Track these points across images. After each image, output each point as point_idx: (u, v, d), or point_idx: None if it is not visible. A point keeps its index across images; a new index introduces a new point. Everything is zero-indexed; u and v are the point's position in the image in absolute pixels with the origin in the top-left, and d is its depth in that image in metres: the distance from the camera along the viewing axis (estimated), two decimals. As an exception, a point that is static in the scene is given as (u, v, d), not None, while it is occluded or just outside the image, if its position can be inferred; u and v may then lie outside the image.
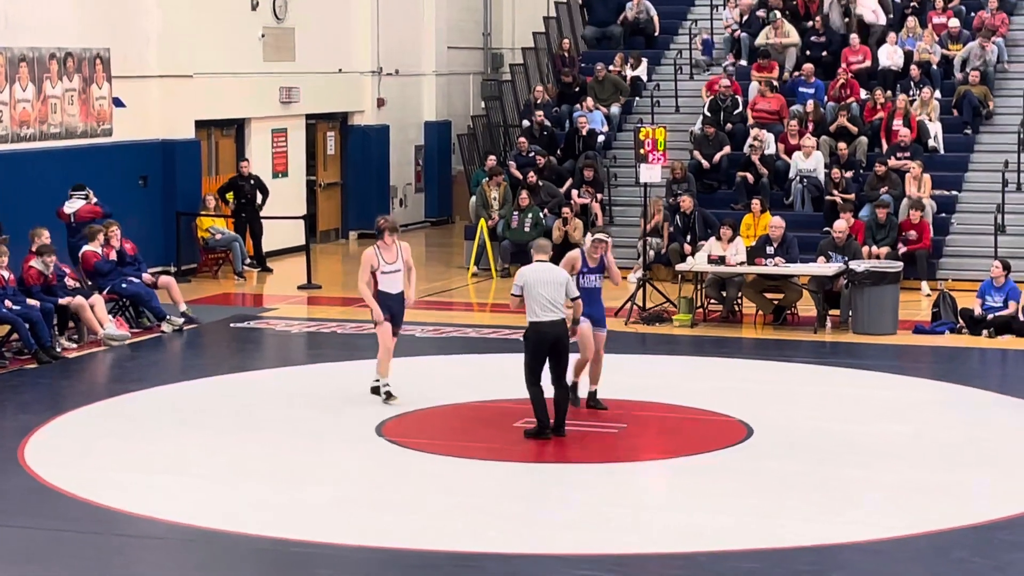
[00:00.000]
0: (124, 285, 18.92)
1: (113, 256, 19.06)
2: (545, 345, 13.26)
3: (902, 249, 21.54)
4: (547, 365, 13.31)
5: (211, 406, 14.91)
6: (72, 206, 20.30)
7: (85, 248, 18.95)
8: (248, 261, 24.22)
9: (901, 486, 11.98)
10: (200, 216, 23.88)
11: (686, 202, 22.52)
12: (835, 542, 10.53)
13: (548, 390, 13.34)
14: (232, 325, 19.50)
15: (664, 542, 10.57)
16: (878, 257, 20.85)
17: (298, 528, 10.84)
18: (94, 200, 20.34)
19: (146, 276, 19.40)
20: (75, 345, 17.88)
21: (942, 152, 24.79)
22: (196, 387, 15.81)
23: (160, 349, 18.21)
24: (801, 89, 25.87)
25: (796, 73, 26.46)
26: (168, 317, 18.94)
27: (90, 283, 18.78)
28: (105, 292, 18.64)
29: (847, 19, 27.40)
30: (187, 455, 12.94)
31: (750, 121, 25.48)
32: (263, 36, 25.99)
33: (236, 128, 26.02)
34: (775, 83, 26.20)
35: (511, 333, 17.98)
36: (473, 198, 25.43)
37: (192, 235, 23.91)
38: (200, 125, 24.55)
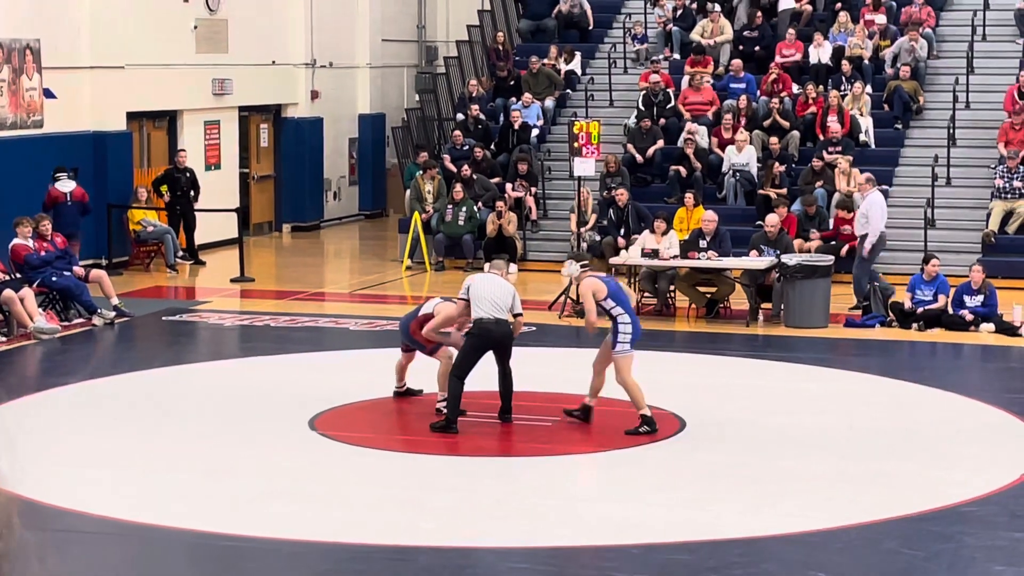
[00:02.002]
0: (54, 278, 18.76)
1: (45, 251, 18.91)
2: (489, 343, 13.32)
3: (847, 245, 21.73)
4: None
5: (142, 400, 14.81)
6: (67, 186, 21.06)
7: (15, 241, 18.79)
8: (180, 254, 24.08)
9: (831, 478, 12.06)
10: (132, 208, 23.72)
11: (622, 195, 22.59)
12: (766, 534, 10.59)
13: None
14: (164, 318, 19.38)
15: (597, 534, 10.60)
16: (809, 251, 21.01)
17: (229, 522, 10.79)
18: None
19: (76, 269, 19.25)
20: (4, 339, 17.71)
21: (873, 147, 24.99)
22: (127, 381, 15.70)
23: (91, 343, 18.08)
24: (732, 85, 26.00)
25: (728, 69, 26.60)
26: (99, 310, 18.80)
27: (19, 276, 18.60)
28: (35, 285, 18.48)
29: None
30: (117, 449, 12.85)
31: (685, 115, 25.59)
32: (195, 27, 25.83)
33: (168, 120, 25.85)
34: (708, 78, 26.29)
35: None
36: (407, 191, 25.39)
37: (124, 228, 23.74)
38: (132, 117, 24.37)
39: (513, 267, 23.53)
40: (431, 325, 13.71)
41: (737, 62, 26.34)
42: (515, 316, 13.50)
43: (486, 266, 14.26)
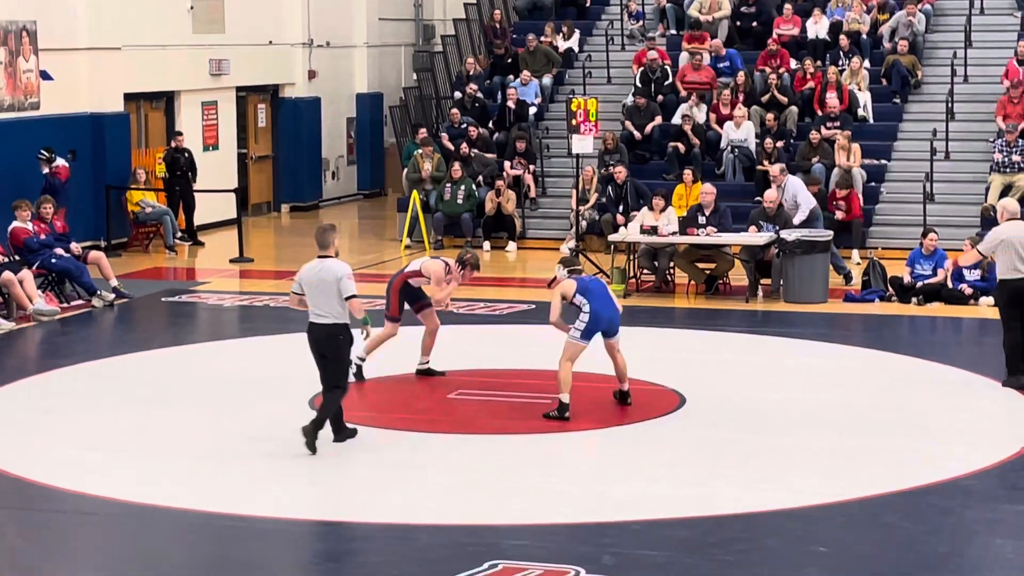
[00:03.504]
0: (54, 260, 18.75)
1: (44, 234, 18.91)
2: (312, 347, 12.30)
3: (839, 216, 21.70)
4: None
5: (142, 381, 14.82)
6: (63, 162, 21.59)
7: (14, 224, 18.77)
8: (179, 235, 24.07)
9: (832, 453, 12.08)
10: (130, 190, 23.70)
11: (621, 173, 22.57)
12: (767, 509, 10.60)
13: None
14: (163, 299, 19.39)
15: (598, 511, 10.61)
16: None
17: (229, 502, 10.80)
18: None
19: (73, 246, 19.24)
20: (4, 320, 17.70)
21: (871, 121, 24.96)
22: (127, 362, 15.70)
23: (90, 324, 18.08)
24: (719, 65, 25.96)
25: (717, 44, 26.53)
26: (99, 292, 18.79)
27: (17, 258, 18.59)
28: (34, 267, 18.47)
29: None
30: (118, 430, 12.86)
31: (683, 93, 25.53)
32: (192, 8, 25.77)
33: (166, 101, 25.82)
34: (707, 56, 26.21)
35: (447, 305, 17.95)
36: (405, 170, 25.36)
37: (122, 209, 23.72)
38: (129, 98, 24.32)
39: (512, 245, 23.60)
40: (440, 294, 13.85)
41: (717, 42, 26.31)
42: (347, 299, 12.12)
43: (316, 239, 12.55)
